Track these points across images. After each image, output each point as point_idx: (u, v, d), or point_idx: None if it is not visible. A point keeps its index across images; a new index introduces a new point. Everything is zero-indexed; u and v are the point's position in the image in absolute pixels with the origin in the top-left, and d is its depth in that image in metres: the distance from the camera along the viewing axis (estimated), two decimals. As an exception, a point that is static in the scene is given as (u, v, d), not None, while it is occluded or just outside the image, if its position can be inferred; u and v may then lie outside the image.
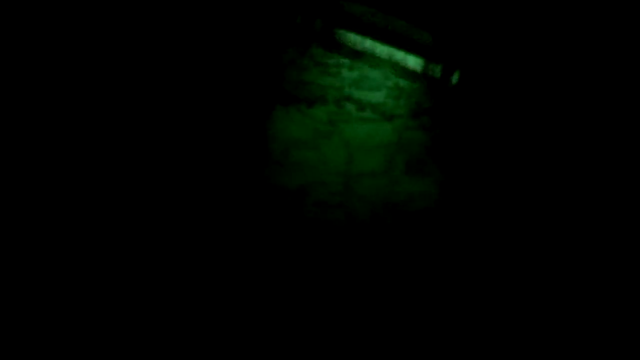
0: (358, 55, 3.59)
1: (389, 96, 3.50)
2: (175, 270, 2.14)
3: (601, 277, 2.82)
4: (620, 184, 3.20)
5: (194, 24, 3.44)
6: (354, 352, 2.26)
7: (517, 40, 3.45)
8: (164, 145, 2.59)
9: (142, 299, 2.07)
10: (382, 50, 3.55)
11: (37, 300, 1.94)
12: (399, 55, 3.55)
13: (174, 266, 2.15)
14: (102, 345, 1.90)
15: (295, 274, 2.41)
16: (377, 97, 3.48)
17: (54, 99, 2.63)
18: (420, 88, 3.55)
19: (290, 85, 3.37)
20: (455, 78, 3.55)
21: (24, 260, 2.03)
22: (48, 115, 2.55)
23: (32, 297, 1.94)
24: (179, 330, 2.04)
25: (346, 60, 3.57)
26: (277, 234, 2.49)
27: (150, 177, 2.38)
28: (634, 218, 3.08)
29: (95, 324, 1.94)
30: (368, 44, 3.56)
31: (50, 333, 1.89)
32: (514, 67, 3.51)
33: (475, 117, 3.47)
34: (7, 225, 2.07)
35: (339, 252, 2.56)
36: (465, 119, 3.46)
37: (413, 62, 3.56)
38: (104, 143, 2.48)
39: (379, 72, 3.56)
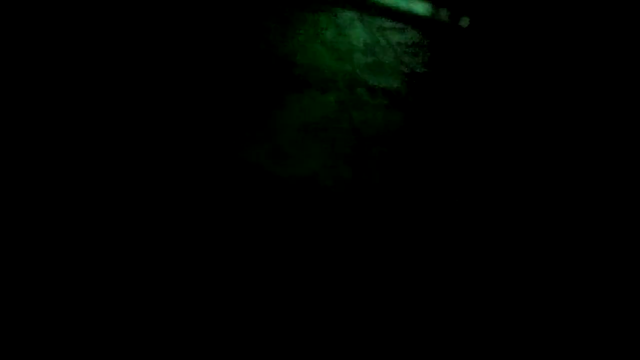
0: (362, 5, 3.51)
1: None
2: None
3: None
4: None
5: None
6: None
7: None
8: (163, 140, 2.56)
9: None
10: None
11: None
12: (405, 3, 3.46)
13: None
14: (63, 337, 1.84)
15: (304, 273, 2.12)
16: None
17: None
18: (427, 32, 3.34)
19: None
20: (465, 22, 3.37)
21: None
22: None
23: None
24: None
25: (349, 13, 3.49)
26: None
27: (150, 173, 2.41)
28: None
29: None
30: (372, -8, 3.51)
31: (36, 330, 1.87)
32: (526, 15, 3.32)
33: (485, 61, 3.17)
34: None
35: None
36: (474, 62, 3.15)
37: (420, 8, 3.44)
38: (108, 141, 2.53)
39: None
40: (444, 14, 3.37)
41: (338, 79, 2.75)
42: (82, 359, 1.76)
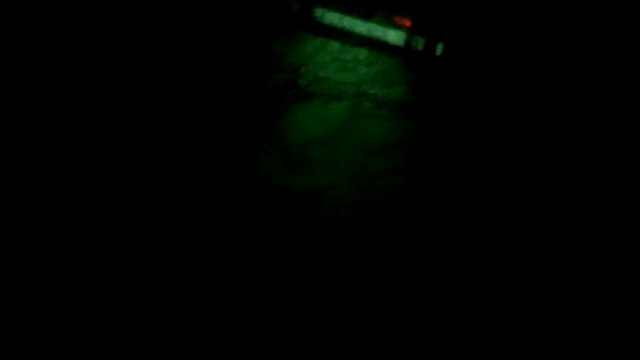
0: (337, 33, 3.47)
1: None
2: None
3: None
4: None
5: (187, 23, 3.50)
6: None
7: (503, 9, 3.48)
8: (170, 147, 2.45)
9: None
10: (362, 27, 3.47)
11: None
12: (379, 31, 3.46)
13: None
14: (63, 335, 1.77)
15: (307, 279, 2.04)
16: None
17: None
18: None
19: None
20: (439, 49, 3.41)
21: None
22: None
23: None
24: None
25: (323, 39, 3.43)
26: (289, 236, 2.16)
27: (157, 181, 2.30)
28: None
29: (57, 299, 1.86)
30: (347, 22, 3.49)
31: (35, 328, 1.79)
32: (500, 38, 3.46)
33: (461, 85, 3.20)
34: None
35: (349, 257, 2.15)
36: (450, 86, 3.16)
37: (394, 36, 3.45)
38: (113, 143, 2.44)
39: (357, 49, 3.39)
40: (421, 42, 3.41)
41: (344, 89, 2.60)
42: (82, 358, 1.73)
